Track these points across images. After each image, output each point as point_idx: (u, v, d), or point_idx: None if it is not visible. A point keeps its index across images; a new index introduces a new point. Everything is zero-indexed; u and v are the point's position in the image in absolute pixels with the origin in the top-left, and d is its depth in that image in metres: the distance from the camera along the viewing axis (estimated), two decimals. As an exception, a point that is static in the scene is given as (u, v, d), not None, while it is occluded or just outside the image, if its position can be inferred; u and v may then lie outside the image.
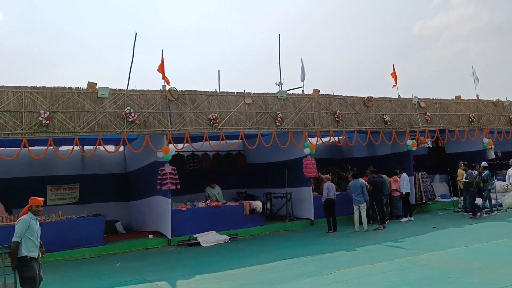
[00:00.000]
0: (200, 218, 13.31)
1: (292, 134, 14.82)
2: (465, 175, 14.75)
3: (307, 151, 14.97)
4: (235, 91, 14.19)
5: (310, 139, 15.54)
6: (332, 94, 15.97)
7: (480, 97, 19.77)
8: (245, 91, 14.36)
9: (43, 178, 14.93)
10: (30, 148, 11.40)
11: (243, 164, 18.62)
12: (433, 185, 18.78)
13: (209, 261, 9.97)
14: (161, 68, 13.24)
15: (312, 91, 15.53)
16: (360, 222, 13.00)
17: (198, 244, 12.40)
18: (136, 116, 12.32)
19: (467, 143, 19.38)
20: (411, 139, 17.24)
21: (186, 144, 13.20)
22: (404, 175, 15.30)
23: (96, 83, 12.10)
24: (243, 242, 12.61)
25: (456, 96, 19.09)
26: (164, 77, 13.25)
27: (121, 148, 16.16)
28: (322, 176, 15.10)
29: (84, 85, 12.03)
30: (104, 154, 15.79)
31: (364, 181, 13.27)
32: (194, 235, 12.77)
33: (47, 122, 11.28)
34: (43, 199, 6.74)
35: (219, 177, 16.84)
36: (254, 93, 14.50)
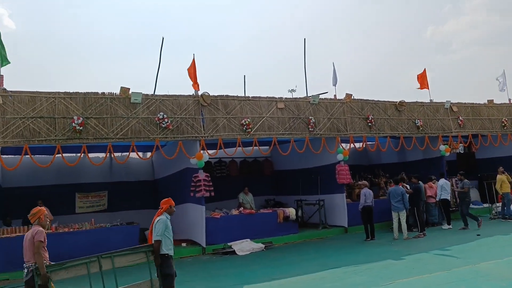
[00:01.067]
0: (233, 226, 12.97)
1: (325, 139, 14.45)
2: (460, 185, 14.22)
3: (340, 157, 14.58)
4: (267, 96, 13.90)
5: (342, 144, 15.15)
6: (363, 98, 15.59)
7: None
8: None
9: (71, 186, 14.74)
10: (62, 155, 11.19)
11: (270, 170, 18.30)
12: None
13: (250, 271, 9.60)
14: (193, 73, 13.01)
15: (344, 96, 15.17)
16: (400, 230, 12.54)
17: (233, 252, 12.05)
18: (169, 121, 12.06)
19: (498, 149, 18.86)
20: (443, 144, 16.79)
21: (219, 150, 12.89)
22: (441, 180, 14.75)
23: (129, 88, 11.89)
24: (279, 250, 12.22)
25: (488, 100, 18.60)
26: (195, 83, 13.01)
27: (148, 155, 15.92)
28: (360, 182, 14.69)
29: (116, 91, 11.83)
30: (132, 161, 15.64)
31: (403, 188, 12.82)
32: (229, 243, 12.41)
33: (81, 128, 11.06)
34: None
35: (246, 184, 16.49)
36: (286, 98, 14.20)
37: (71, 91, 11.31)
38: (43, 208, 6.33)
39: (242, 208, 13.95)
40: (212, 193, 12.45)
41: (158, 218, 6.66)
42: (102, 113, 11.47)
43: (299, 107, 14.27)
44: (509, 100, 19.27)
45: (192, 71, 13.03)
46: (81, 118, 11.08)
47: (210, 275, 9.49)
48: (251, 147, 13.63)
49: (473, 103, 18.14)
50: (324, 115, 14.62)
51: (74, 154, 13.74)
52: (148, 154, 15.10)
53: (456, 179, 17.07)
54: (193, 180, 12.37)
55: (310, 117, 14.21)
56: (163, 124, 11.98)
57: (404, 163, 18.70)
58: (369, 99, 15.69)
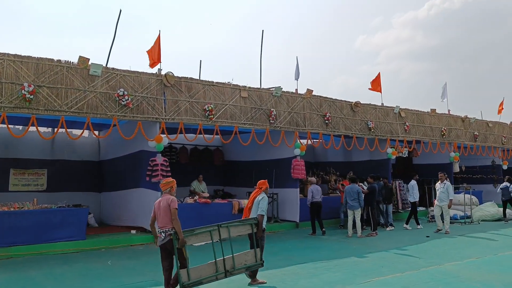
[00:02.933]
0: (188, 215, 12.32)
1: (284, 133, 14.33)
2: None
3: (297, 151, 14.56)
4: (231, 83, 13.47)
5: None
6: (323, 96, 15.69)
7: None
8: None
9: (5, 160, 13.25)
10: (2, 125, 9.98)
11: (220, 160, 17.87)
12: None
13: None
14: (157, 51, 12.23)
15: (305, 91, 15.16)
16: (353, 228, 12.78)
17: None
18: (129, 99, 11.22)
19: (433, 156, 20.02)
20: (391, 148, 17.44)
21: (179, 135, 12.27)
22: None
23: (88, 59, 10.86)
24: (235, 243, 11.86)
25: (431, 109, 19.62)
26: (158, 61, 12.25)
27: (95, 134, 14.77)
28: (309, 178, 14.77)
29: (74, 60, 10.76)
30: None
31: (359, 187, 13.06)
32: (183, 233, 11.84)
33: (31, 97, 9.90)
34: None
35: (196, 172, 15.99)
36: (250, 87, 13.86)
37: (22, 54, 10.09)
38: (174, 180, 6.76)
39: (197, 196, 13.40)
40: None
41: (262, 196, 7.49)
42: (56, 83, 10.37)
43: (262, 98, 14.01)
44: (448, 111, 20.51)
45: (156, 49, 12.25)
46: (32, 86, 9.92)
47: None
48: (212, 135, 13.14)
49: (418, 111, 19.02)
50: (285, 109, 14.49)
51: (17, 126, 12.45)
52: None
53: (399, 181, 17.93)
54: (149, 164, 11.64)
55: (272, 109, 14.01)
56: (123, 101, 11.12)
57: (350, 163, 19.19)
58: (328, 97, 15.84)
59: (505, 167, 22.83)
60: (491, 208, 17.23)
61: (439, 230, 13.45)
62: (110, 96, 11.06)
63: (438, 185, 13.91)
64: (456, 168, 20.46)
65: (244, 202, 13.48)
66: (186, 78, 12.56)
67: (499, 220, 16.60)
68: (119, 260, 9.46)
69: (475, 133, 21.40)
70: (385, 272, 8.00)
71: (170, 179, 6.82)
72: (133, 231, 12.04)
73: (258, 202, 7.42)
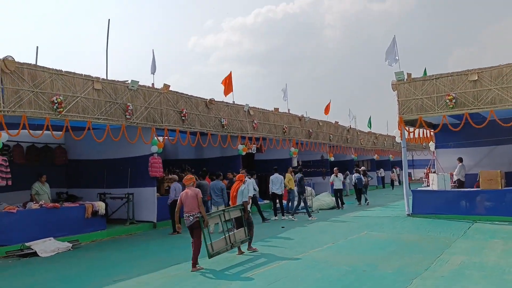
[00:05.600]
0: (33, 222, 10.80)
1: (141, 129, 13.60)
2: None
3: (154, 148, 14.03)
4: (83, 73, 12.19)
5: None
6: (179, 92, 15.40)
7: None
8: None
9: None
10: None
11: (63, 159, 16.04)
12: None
13: (74, 275, 8.15)
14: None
15: (162, 86, 14.65)
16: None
17: (35, 254, 10.05)
18: (-44, 86, 9.22)
19: (273, 152, 21.60)
20: (241, 144, 18.14)
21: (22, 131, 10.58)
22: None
23: None
24: (91, 249, 10.86)
25: (274, 108, 21.04)
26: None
27: None
28: (169, 176, 14.38)
29: None
30: None
31: (223, 183, 13.23)
32: (27, 244, 10.27)
33: None
34: None
35: (33, 173, 14.06)
36: (103, 79, 12.75)
37: None
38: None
39: (43, 201, 11.73)
40: (9, 182, 10.16)
41: (244, 186, 9.78)
42: None
43: (117, 91, 13.03)
44: (288, 110, 22.29)
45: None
46: None
47: (26, 284, 7.64)
48: (60, 132, 11.70)
49: (264, 109, 20.18)
50: (141, 103, 13.77)
51: None
52: None
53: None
54: (-16, 164, 9.78)
55: (128, 104, 13.16)
56: None
57: (202, 160, 19.34)
58: (184, 92, 15.62)
59: (332, 159, 26.00)
60: (327, 198, 19.40)
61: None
62: None
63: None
64: (295, 163, 22.40)
65: (99, 204, 12.50)
66: (30, 64, 10.89)
67: (333, 208, 18.73)
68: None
69: (310, 130, 23.74)
70: (262, 264, 8.26)
71: (191, 175, 9.19)
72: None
73: (242, 192, 9.68)
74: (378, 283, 6.68)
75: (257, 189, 15.55)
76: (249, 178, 13.57)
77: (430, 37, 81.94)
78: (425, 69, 18.42)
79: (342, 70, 79.82)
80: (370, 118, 34.35)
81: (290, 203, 17.27)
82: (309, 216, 15.36)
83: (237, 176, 10.37)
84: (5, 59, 10.21)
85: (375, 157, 33.41)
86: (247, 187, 9.97)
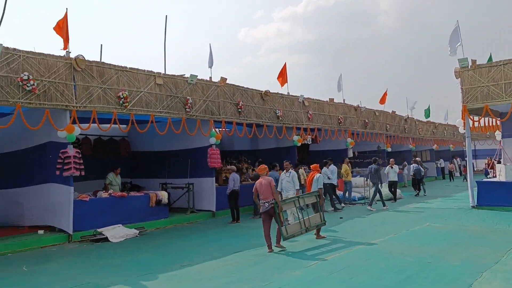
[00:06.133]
0: (103, 210, 11.53)
1: (200, 121, 14.02)
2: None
3: (212, 140, 14.41)
4: (145, 69, 12.74)
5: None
6: (235, 84, 15.67)
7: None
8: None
9: None
10: None
11: (127, 151, 16.89)
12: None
13: (145, 259, 8.65)
14: (65, 30, 11.02)
15: (219, 79, 14.99)
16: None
17: (105, 239, 10.72)
18: (35, 84, 9.95)
19: (328, 143, 21.42)
20: (297, 135, 18.19)
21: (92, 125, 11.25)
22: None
23: (-17, 36, 9.35)
24: (156, 236, 11.38)
25: (329, 99, 20.86)
26: (66, 41, 11.07)
27: None
28: (228, 167, 14.73)
29: (-34, 37, 9.17)
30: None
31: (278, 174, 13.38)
32: (99, 230, 10.98)
33: None
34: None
35: (100, 164, 14.95)
36: (164, 74, 13.25)
37: None
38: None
39: (111, 190, 12.48)
40: (82, 172, 10.84)
41: (318, 175, 10.92)
42: None
43: (177, 86, 13.51)
44: (343, 100, 22.02)
45: (64, 28, 11.03)
46: None
47: (99, 266, 8.21)
48: (125, 125, 12.31)
49: (318, 100, 20.08)
50: (200, 97, 14.18)
51: None
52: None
53: (305, 167, 18.76)
54: (60, 156, 10.53)
55: (188, 97, 13.60)
56: (28, 86, 9.82)
57: (257, 151, 19.60)
58: (240, 85, 15.88)
59: (389, 149, 25.40)
60: (384, 189, 18.97)
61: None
62: (12, 80, 9.68)
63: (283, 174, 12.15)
64: (350, 154, 22.16)
65: (162, 194, 13.08)
66: (98, 62, 11.57)
67: (390, 199, 18.34)
68: (36, 264, 8.39)
69: (366, 120, 23.33)
70: (325, 253, 8.34)
71: (264, 165, 9.52)
72: (41, 231, 10.80)
73: (317, 179, 10.82)
74: (444, 274, 6.56)
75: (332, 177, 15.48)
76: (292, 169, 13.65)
77: (495, 20, 77.36)
78: (490, 54, 17.50)
79: (398, 57, 77.32)
80: (429, 106, 33.14)
81: (346, 194, 17.20)
82: (370, 205, 15.21)
83: (312, 167, 11.48)
84: (76, 58, 10.89)
85: (434, 147, 32.28)
86: (320, 176, 10.93)
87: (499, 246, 8.27)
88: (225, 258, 8.30)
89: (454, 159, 33.68)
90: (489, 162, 23.03)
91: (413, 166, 20.79)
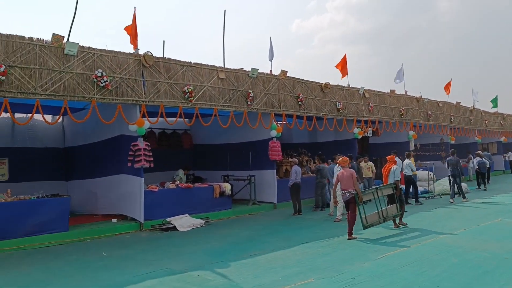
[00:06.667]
0: (170, 200, 12.00)
1: (261, 114, 14.18)
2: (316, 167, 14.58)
3: (273, 133, 14.52)
4: (208, 64, 13.05)
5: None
6: (295, 77, 15.67)
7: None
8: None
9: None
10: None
11: (189, 144, 17.42)
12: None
13: (216, 247, 8.93)
14: (134, 29, 11.53)
15: (279, 72, 15.06)
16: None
17: (173, 228, 11.16)
18: (108, 81, 10.51)
19: (389, 135, 20.85)
20: (357, 128, 17.90)
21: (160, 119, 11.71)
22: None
23: (63, 37, 10.00)
24: (221, 227, 11.69)
25: (391, 90, 20.32)
26: (135, 39, 11.56)
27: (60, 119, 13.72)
28: (290, 159, 14.82)
29: (48, 37, 9.85)
30: (38, 124, 13.44)
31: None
32: (167, 219, 11.45)
33: (2, 78, 8.97)
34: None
35: (164, 157, 15.51)
36: (226, 68, 13.51)
37: (-10, 31, 9.08)
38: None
39: (177, 181, 12.97)
40: (152, 164, 11.33)
41: (395, 167, 11.11)
42: (29, 63, 9.45)
43: (239, 79, 13.73)
44: (405, 91, 21.37)
45: (133, 27, 11.54)
46: (4, 66, 8.97)
47: (172, 253, 8.58)
48: (189, 119, 12.71)
49: (379, 91, 19.62)
50: (261, 90, 14.33)
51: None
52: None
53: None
54: (131, 149, 11.06)
55: (249, 91, 13.79)
56: (102, 83, 10.39)
57: (315, 144, 19.48)
58: (300, 78, 15.86)
59: (452, 142, 24.35)
60: (445, 183, 18.28)
61: None
62: (87, 77, 10.29)
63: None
64: (412, 146, 21.48)
65: (225, 185, 13.35)
66: (164, 58, 12.01)
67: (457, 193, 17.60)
68: (113, 250, 8.92)
69: (428, 112, 22.51)
70: (394, 246, 8.23)
71: (346, 158, 10.11)
72: (114, 220, 11.44)
73: (394, 172, 11.00)
74: (525, 271, 6.28)
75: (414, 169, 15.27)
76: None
77: None
78: None
79: (461, 45, 73.49)
80: (496, 96, 31.33)
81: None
82: (463, 197, 15.19)
83: (388, 158, 11.73)
84: (145, 55, 11.37)
85: (502, 139, 30.52)
86: (397, 168, 11.07)
87: None
88: (294, 249, 8.41)
89: (524, 152, 31.68)
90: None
91: (477, 159, 19.89)
